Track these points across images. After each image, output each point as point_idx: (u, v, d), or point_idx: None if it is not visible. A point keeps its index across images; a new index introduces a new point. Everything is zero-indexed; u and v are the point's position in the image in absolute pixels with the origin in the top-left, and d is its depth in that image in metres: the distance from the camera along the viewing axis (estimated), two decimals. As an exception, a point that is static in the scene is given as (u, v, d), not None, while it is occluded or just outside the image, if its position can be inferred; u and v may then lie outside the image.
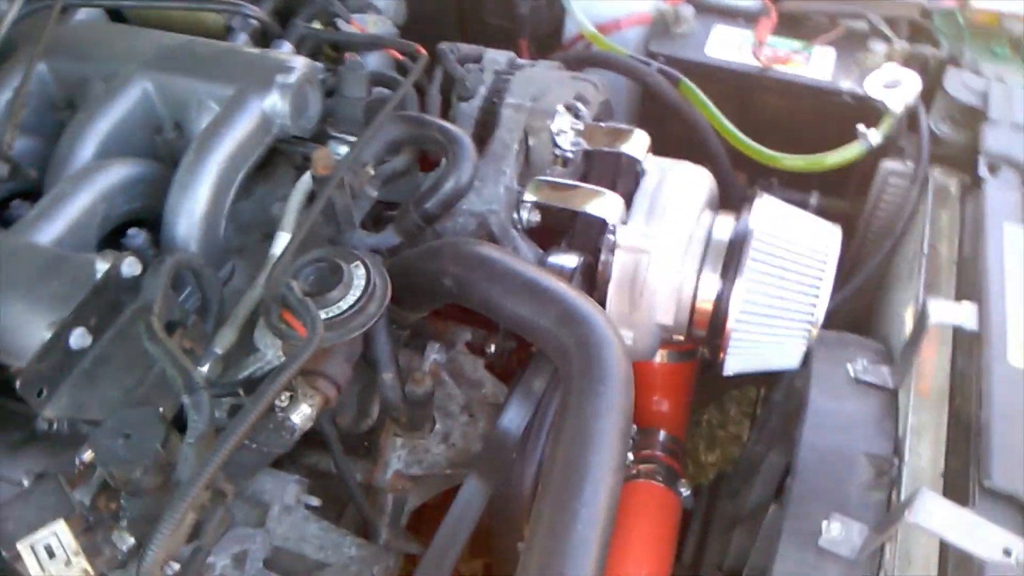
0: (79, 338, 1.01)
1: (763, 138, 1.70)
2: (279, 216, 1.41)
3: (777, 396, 1.57)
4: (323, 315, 1.06)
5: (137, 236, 1.24)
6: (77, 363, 1.01)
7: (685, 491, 1.48)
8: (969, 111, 1.56)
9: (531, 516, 1.00)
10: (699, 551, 1.56)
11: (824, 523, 1.15)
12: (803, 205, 1.80)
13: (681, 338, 1.42)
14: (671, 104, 1.67)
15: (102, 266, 1.06)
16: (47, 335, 1.01)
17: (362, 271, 1.12)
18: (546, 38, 1.90)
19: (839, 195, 1.80)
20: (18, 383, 0.96)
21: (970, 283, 1.34)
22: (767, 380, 1.92)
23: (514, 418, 1.27)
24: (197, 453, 0.92)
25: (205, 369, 1.13)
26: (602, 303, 1.36)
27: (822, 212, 1.78)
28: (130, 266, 1.07)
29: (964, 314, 1.22)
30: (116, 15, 1.60)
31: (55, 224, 1.17)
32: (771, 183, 1.85)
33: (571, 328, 1.10)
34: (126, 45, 1.43)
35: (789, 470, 1.35)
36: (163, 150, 1.39)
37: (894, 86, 1.54)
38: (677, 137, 1.88)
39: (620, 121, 1.51)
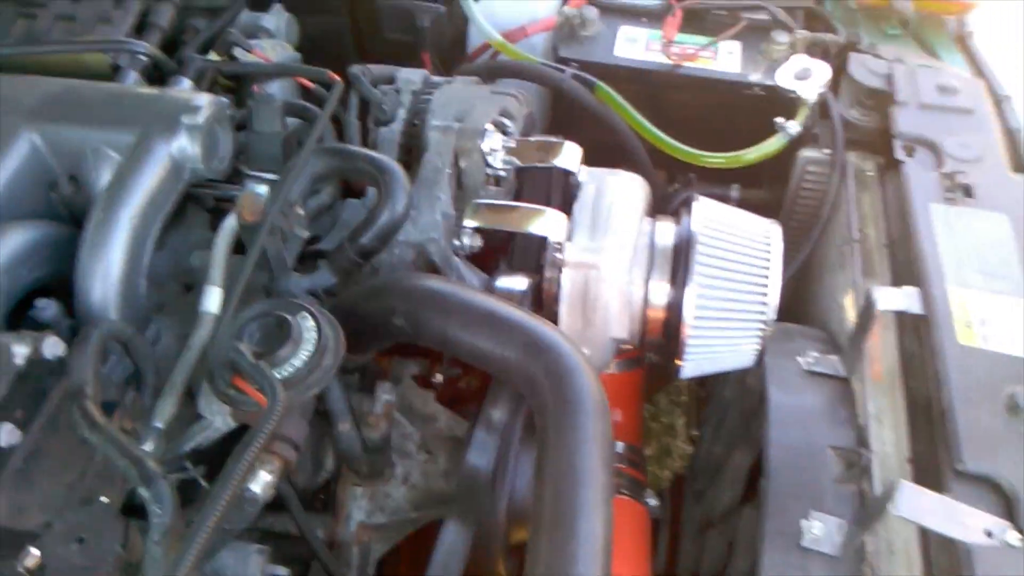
0: (7, 435, 0.90)
1: (677, 134, 1.70)
2: (200, 267, 1.31)
3: (728, 393, 1.58)
4: (276, 375, 0.98)
5: (47, 307, 1.12)
6: (7, 462, 0.90)
7: (652, 501, 1.46)
8: (876, 94, 1.60)
9: (526, 559, 0.96)
10: (671, 557, 1.55)
11: (803, 522, 1.15)
12: (724, 199, 1.81)
13: (630, 347, 1.41)
14: (589, 109, 1.65)
15: (20, 350, 0.95)
16: (-35, 435, 0.90)
17: (310, 322, 1.04)
18: (449, 50, 1.85)
19: (756, 186, 1.82)
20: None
21: (904, 265, 1.38)
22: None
23: (481, 454, 1.22)
24: (164, 550, 0.83)
25: (149, 447, 1.03)
26: (552, 321, 1.32)
27: (743, 204, 1.80)
28: (52, 347, 0.96)
29: (908, 299, 1.25)
30: (-16, 61, 1.46)
31: (-47, 306, 1.05)
32: (690, 179, 1.86)
33: (538, 357, 1.06)
34: (4, 94, 1.29)
35: (757, 470, 1.36)
36: (61, 207, 1.27)
37: (805, 76, 1.56)
38: (591, 140, 1.87)
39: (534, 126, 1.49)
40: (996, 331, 1.21)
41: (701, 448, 1.62)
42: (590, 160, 1.93)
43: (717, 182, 1.81)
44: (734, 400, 1.51)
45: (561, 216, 1.28)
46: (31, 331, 1.09)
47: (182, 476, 1.09)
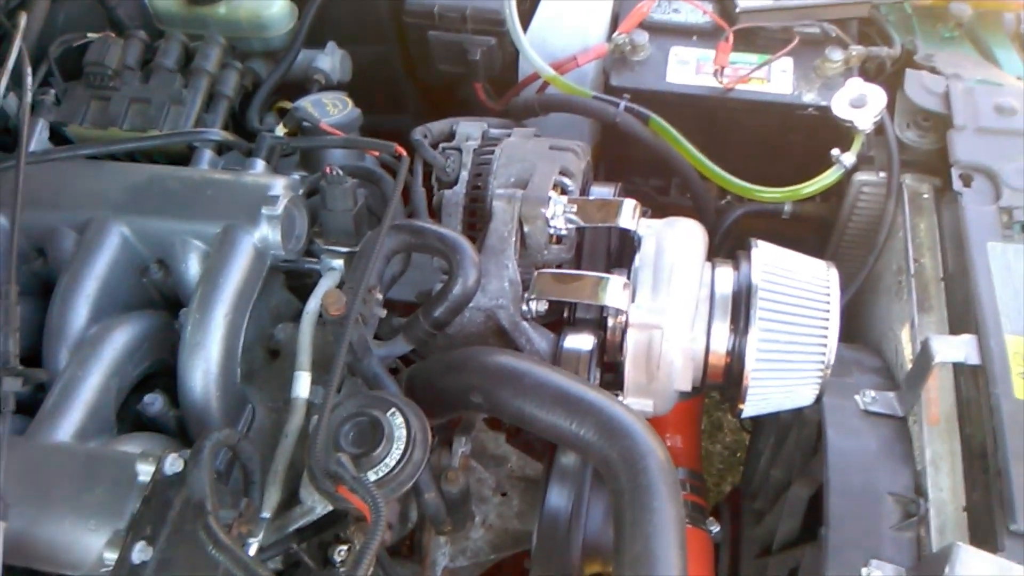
0: (140, 552, 1.01)
1: (732, 155, 1.71)
2: (283, 340, 1.40)
3: (786, 416, 1.63)
4: (372, 476, 1.07)
5: (154, 402, 1.22)
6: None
7: (714, 528, 1.54)
8: (933, 115, 1.60)
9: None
10: (733, 577, 1.64)
11: (864, 570, 1.23)
12: (777, 213, 1.84)
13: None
14: (643, 142, 1.67)
15: (144, 468, 1.05)
16: (105, 552, 1.01)
17: (399, 419, 1.12)
18: (500, 75, 1.86)
19: (808, 200, 1.83)
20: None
21: (961, 304, 1.41)
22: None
23: (558, 501, 1.32)
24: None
25: (259, 537, 1.14)
26: (617, 373, 1.39)
27: (796, 218, 1.83)
28: (173, 464, 1.05)
29: (966, 350, 1.29)
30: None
31: (73, 415, 1.16)
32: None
33: (613, 441, 1.13)
34: (91, 185, 1.37)
35: (816, 504, 1.43)
36: (152, 292, 1.36)
37: (861, 104, 1.56)
38: (641, 160, 1.90)
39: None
40: (1055, 383, 1.24)
41: (758, 464, 1.69)
42: (640, 176, 1.98)
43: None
44: (792, 425, 1.57)
45: (623, 283, 1.33)
46: (148, 436, 1.20)
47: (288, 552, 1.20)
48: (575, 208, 1.37)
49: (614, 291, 1.31)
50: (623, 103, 1.66)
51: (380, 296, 1.28)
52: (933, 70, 1.67)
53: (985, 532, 1.20)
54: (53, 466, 1.08)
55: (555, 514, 1.34)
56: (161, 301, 1.37)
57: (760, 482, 1.68)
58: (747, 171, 1.67)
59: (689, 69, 1.76)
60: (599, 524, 1.37)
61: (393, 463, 1.09)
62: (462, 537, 1.44)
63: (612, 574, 1.37)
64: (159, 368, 1.31)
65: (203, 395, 1.22)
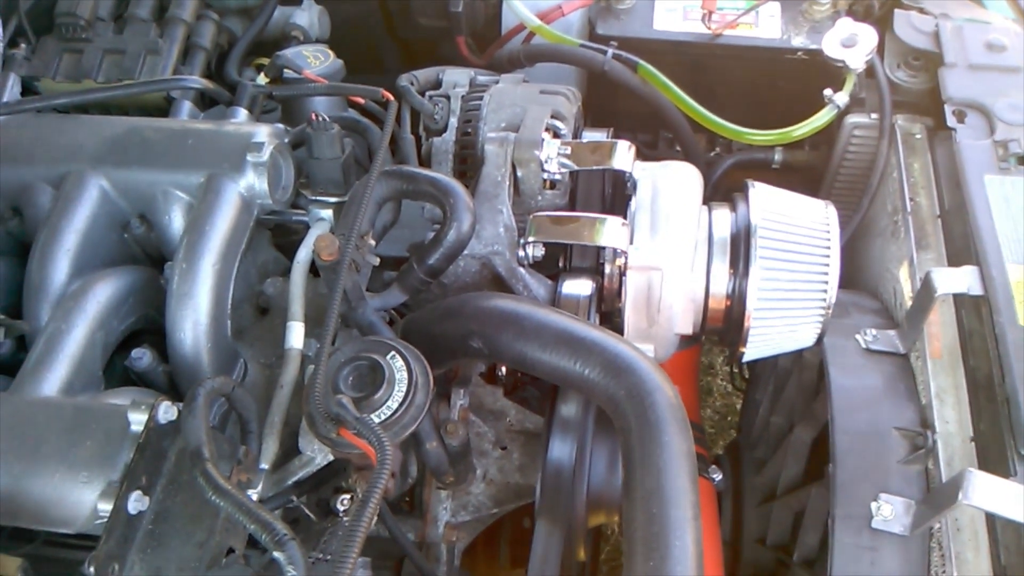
0: (136, 502, 0.97)
1: (721, 102, 1.69)
2: (273, 294, 1.36)
3: (782, 361, 1.62)
4: (375, 418, 1.04)
5: (142, 357, 1.18)
6: (139, 527, 0.97)
7: (717, 476, 1.53)
8: (923, 54, 1.59)
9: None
10: (736, 527, 1.62)
11: (873, 504, 1.21)
12: (767, 163, 1.82)
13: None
14: (632, 89, 1.64)
15: (136, 417, 1.01)
16: (99, 503, 0.97)
17: (400, 361, 1.09)
18: (483, 30, 1.83)
19: (798, 147, 1.81)
20: (91, 569, 0.92)
21: (960, 238, 1.39)
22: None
23: (561, 452, 1.29)
24: (301, 607, 0.90)
25: (259, 488, 1.10)
26: (616, 315, 1.36)
27: (786, 166, 1.82)
28: (166, 412, 1.02)
29: (968, 281, 1.28)
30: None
31: (58, 369, 1.11)
32: (730, 143, 1.86)
33: (618, 378, 1.10)
34: (66, 140, 1.32)
35: (820, 444, 1.42)
36: (135, 247, 1.32)
37: (852, 44, 1.54)
38: (629, 111, 1.87)
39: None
40: (1058, 310, 1.23)
41: (756, 414, 1.68)
42: (629, 128, 1.95)
43: (758, 146, 1.81)
44: (791, 370, 1.55)
45: (622, 223, 1.30)
46: (138, 390, 1.16)
47: (289, 505, 1.17)
48: (568, 151, 1.34)
49: (612, 230, 1.28)
50: (611, 51, 1.63)
51: (373, 242, 1.25)
52: (921, 11, 1.66)
53: (994, 462, 1.19)
54: (39, 421, 1.03)
55: (558, 465, 1.30)
56: (144, 258, 1.33)
57: (760, 430, 1.66)
58: (736, 120, 1.65)
59: (676, 16, 1.73)
60: (603, 474, 1.35)
61: (396, 405, 1.05)
62: (463, 492, 1.41)
63: (617, 521, 1.35)
64: (146, 325, 1.26)
65: (193, 347, 1.18)
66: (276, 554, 0.91)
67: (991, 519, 1.18)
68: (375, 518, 1.08)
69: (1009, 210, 1.34)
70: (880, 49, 1.62)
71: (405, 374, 1.08)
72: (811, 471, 1.47)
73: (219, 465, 0.97)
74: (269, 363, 1.29)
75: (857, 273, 1.70)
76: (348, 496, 1.13)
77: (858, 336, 1.41)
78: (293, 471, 1.16)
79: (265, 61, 1.65)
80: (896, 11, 1.65)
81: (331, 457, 1.15)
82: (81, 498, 0.99)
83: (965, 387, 1.29)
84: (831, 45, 1.56)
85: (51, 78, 1.42)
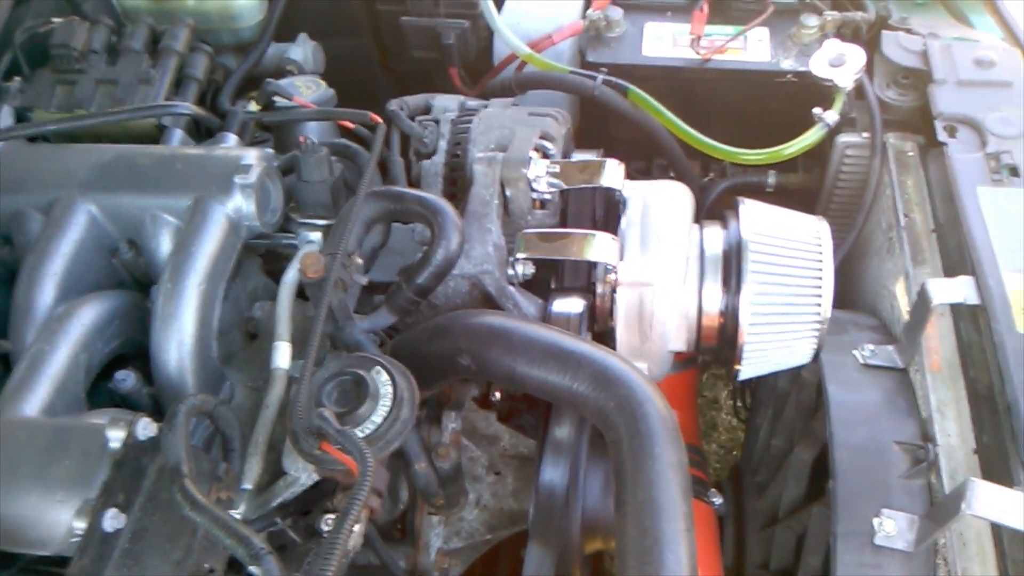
0: (112, 520, 0.95)
1: (711, 127, 1.69)
2: (263, 318, 1.35)
3: (781, 383, 1.59)
4: (359, 432, 1.02)
5: (126, 379, 1.17)
6: (115, 545, 0.95)
7: (717, 500, 1.49)
8: (912, 73, 1.59)
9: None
10: (739, 552, 1.58)
11: (875, 521, 1.18)
12: (761, 185, 1.82)
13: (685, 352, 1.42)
14: (622, 114, 1.65)
15: (115, 434, 0.99)
16: (74, 522, 0.95)
17: (384, 376, 1.07)
18: (475, 61, 1.85)
19: (792, 170, 1.81)
20: (64, 587, 0.90)
21: (955, 251, 1.38)
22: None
23: (554, 474, 1.26)
24: (279, 623, 0.87)
25: (241, 509, 1.08)
26: (609, 336, 1.35)
27: (781, 189, 1.81)
28: (145, 428, 1.00)
29: (964, 290, 1.26)
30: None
31: (40, 390, 1.10)
32: (724, 167, 1.86)
33: (608, 390, 1.08)
34: (56, 167, 1.33)
35: (820, 464, 1.38)
36: (123, 272, 1.32)
37: (840, 63, 1.55)
38: (621, 138, 1.88)
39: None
40: (1056, 317, 1.21)
41: (758, 438, 1.64)
42: (622, 155, 1.95)
43: (752, 169, 1.81)
44: (790, 391, 1.53)
45: (611, 238, 1.30)
46: (119, 411, 1.14)
47: (273, 528, 1.14)
48: (557, 169, 1.34)
49: (601, 245, 1.27)
50: (601, 76, 1.64)
51: (360, 261, 1.24)
52: (909, 31, 1.67)
53: (998, 473, 1.15)
54: (18, 440, 1.02)
55: (551, 486, 1.28)
56: (132, 284, 1.32)
57: (761, 454, 1.63)
58: (727, 143, 1.65)
59: (665, 43, 1.75)
60: (598, 497, 1.32)
61: (380, 420, 1.04)
62: (456, 518, 1.37)
63: (613, 549, 1.31)
64: (131, 349, 1.25)
65: (178, 369, 1.17)
66: (253, 569, 0.89)
67: (997, 532, 1.14)
68: (361, 537, 1.06)
69: (1004, 220, 1.33)
70: (869, 69, 1.63)
71: (390, 388, 1.06)
72: (812, 492, 1.43)
73: (199, 482, 0.96)
74: (256, 386, 1.28)
75: (855, 293, 1.69)
76: (333, 516, 1.10)
77: (856, 352, 1.39)
78: (278, 492, 1.13)
79: (259, 94, 1.67)
80: (884, 32, 1.66)
81: (316, 477, 1.13)
82: (57, 518, 0.97)
83: (966, 399, 1.26)
84: (819, 65, 1.57)
85: (45, 109, 1.44)
